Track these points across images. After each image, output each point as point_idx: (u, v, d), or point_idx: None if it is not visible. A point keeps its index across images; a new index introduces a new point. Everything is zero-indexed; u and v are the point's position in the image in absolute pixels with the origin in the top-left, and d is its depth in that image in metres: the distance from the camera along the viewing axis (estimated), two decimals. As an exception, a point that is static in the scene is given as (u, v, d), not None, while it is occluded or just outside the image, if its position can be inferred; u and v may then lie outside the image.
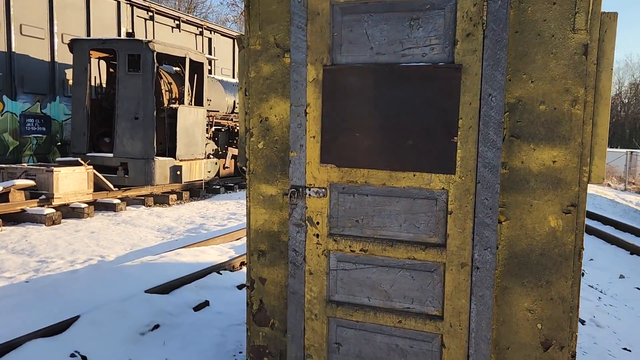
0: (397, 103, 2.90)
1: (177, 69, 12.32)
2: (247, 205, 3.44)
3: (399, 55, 2.90)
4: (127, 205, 10.46)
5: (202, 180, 12.28)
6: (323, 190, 3.09)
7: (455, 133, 2.80)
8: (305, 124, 3.09)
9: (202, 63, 12.21)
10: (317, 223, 3.13)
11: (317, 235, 3.13)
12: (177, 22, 16.31)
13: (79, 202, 9.41)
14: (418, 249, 2.92)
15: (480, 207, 2.78)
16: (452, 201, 2.84)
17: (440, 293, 2.92)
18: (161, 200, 11.19)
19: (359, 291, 3.08)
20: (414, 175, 2.91)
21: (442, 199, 2.87)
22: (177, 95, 11.94)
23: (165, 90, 11.58)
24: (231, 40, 18.75)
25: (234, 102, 14.04)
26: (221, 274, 5.77)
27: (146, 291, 4.79)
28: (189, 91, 11.99)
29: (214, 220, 9.53)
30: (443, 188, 2.86)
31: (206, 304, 4.89)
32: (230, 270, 6.04)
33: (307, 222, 3.15)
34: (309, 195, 3.13)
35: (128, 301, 4.40)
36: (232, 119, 14.18)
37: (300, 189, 3.14)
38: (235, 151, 14.25)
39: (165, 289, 5.00)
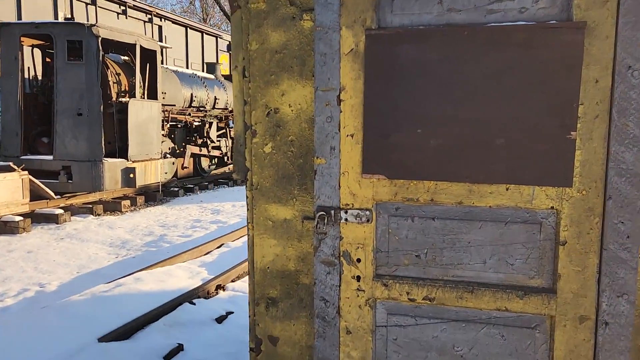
0: (480, 83, 1.96)
1: (126, 58, 10.98)
2: (248, 234, 2.42)
3: (483, 11, 1.96)
4: (72, 215, 9.12)
5: (158, 182, 11.02)
6: (367, 212, 2.13)
7: (573, 126, 1.89)
8: (339, 116, 2.11)
9: (155, 51, 10.92)
10: (358, 260, 2.16)
11: (358, 278, 2.17)
12: (122, 7, 14.81)
13: (12, 214, 8.01)
14: (512, 296, 2.01)
15: (612, 235, 1.89)
16: (565, 227, 1.93)
17: (546, 359, 2.02)
18: (112, 207, 9.88)
19: (422, 357, 2.14)
20: (507, 190, 1.98)
21: (550, 223, 1.96)
22: (127, 88, 10.62)
23: (113, 82, 10.24)
24: (184, 28, 17.36)
25: (191, 95, 12.79)
26: (194, 303, 4.71)
27: (100, 339, 3.68)
28: (140, 83, 10.68)
29: (175, 230, 8.35)
30: (552, 207, 1.95)
31: (179, 349, 3.83)
32: (205, 298, 4.98)
33: (342, 258, 2.18)
34: (345, 220, 2.15)
35: (76, 358, 3.28)
36: (189, 114, 12.92)
37: (332, 212, 2.16)
38: (194, 149, 13.01)
39: (125, 332, 3.90)
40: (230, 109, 14.91)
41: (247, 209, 2.42)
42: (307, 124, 2.26)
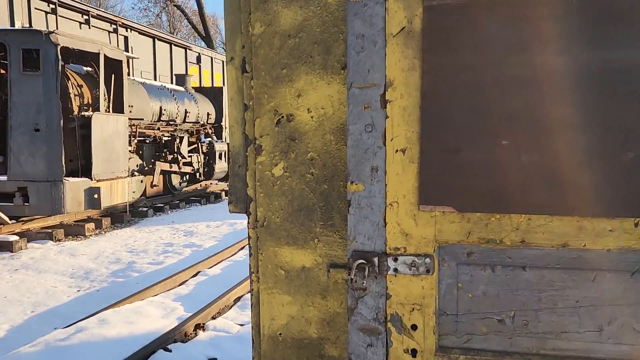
0: (602, 72, 1.37)
1: (89, 68, 10.14)
2: (252, 288, 1.76)
3: (599, -31, 1.37)
4: (29, 241, 8.20)
5: (126, 203, 10.16)
6: (426, 260, 1.50)
7: None
8: (384, 123, 1.49)
9: (121, 61, 10.12)
10: (413, 327, 1.53)
11: (414, 353, 1.54)
12: (85, 16, 13.91)
13: (-41, 243, 7.08)
14: (643, 378, 1.39)
15: None
16: None
17: None
18: (75, 231, 8.99)
19: None
20: (637, 226, 1.38)
21: (700, 273, 1.36)
22: (90, 101, 9.78)
23: (75, 95, 9.39)
24: (151, 39, 16.53)
25: (160, 108, 11.98)
26: (170, 350, 3.98)
27: (53, 411, 2.90)
28: (105, 95, 9.85)
29: (145, 255, 7.55)
30: (703, 251, 1.35)
31: (155, 415, 3.09)
32: (183, 341, 4.25)
33: (389, 324, 1.54)
34: (395, 270, 1.53)
35: None
36: (158, 128, 12.11)
37: (375, 259, 1.53)
38: (164, 166, 12.17)
39: (85, 397, 3.13)
40: (201, 122, 14.14)
41: (250, 254, 1.76)
42: (333, 135, 1.63)
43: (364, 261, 1.53)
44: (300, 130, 1.65)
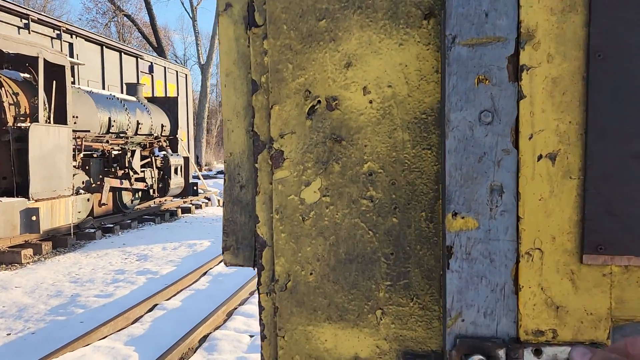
0: None
1: (27, 75, 9.08)
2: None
3: None
4: (-48, 272, 7.06)
5: (70, 224, 9.09)
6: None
7: None
8: (515, 109, 0.81)
9: (63, 67, 9.11)
10: None
11: None
12: (25, 20, 12.71)
13: None
14: None
15: None
16: None
17: None
18: (9, 259, 7.88)
19: None
20: None
21: None
22: (27, 111, 8.72)
23: (10, 104, 8.32)
24: (99, 47, 15.39)
25: (109, 119, 10.96)
26: (122, 416, 3.13)
27: None
28: (45, 104, 8.82)
29: (92, 286, 6.59)
30: None
31: None
32: (138, 402, 3.41)
33: None
34: (538, 373, 0.83)
35: None
36: (107, 141, 11.08)
37: (500, 351, 0.84)
38: (114, 182, 11.11)
39: None
40: (155, 134, 13.13)
41: (262, 336, 1.05)
42: (410, 131, 0.95)
43: (481, 357, 0.86)
44: (350, 124, 0.97)
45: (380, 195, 0.97)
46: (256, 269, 1.04)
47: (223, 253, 1.06)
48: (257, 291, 1.04)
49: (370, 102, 0.96)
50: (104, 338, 4.61)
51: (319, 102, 0.97)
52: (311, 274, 1.00)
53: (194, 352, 4.42)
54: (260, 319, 1.04)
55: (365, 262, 0.98)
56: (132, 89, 13.26)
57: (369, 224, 0.97)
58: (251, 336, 4.75)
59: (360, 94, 0.96)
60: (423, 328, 0.98)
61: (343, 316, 1.00)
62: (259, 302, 1.04)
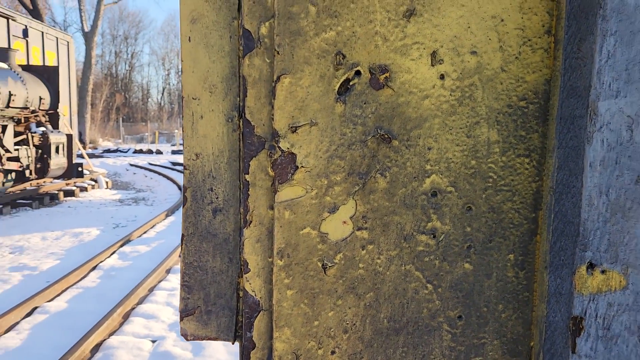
0: None
1: None
2: None
3: None
4: None
5: None
6: None
7: None
8: None
9: None
10: None
11: None
12: None
13: None
14: None
15: None
16: None
17: None
18: None
19: None
20: None
21: None
22: None
23: None
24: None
25: (9, 93, 9.41)
26: None
27: None
28: None
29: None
30: None
31: None
32: None
33: None
34: None
35: None
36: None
37: None
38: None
39: None
40: (32, 108, 11.58)
41: None
42: (498, 127, 0.60)
43: None
44: (407, 113, 0.59)
45: (447, 227, 0.61)
46: (240, 345, 0.63)
47: (182, 319, 0.64)
48: (239, 380, 0.64)
49: (442, 77, 0.59)
50: (-33, 354, 3.81)
51: (359, 73, 0.58)
52: (333, 353, 0.62)
53: (87, 367, 3.79)
54: None
55: (420, 332, 0.62)
56: (2, 54, 11.54)
57: (428, 272, 0.61)
58: (153, 341, 4.20)
59: (426, 64, 0.59)
60: None
61: (380, 412, 0.64)
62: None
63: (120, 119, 37.42)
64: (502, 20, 0.59)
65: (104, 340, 4.18)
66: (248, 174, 0.60)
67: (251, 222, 0.60)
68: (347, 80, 0.59)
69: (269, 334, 0.62)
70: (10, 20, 15.30)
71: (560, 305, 0.57)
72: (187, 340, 0.66)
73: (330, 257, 0.61)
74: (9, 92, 10.45)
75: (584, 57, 0.54)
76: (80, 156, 16.39)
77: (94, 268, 6.22)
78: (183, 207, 0.63)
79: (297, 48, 0.57)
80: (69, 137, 12.58)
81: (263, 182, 0.60)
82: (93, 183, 13.71)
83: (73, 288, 5.52)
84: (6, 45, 14.81)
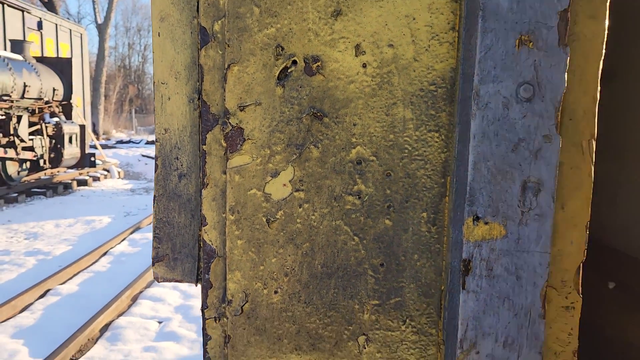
0: None
1: None
2: None
3: None
4: None
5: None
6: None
7: None
8: (563, 81, 0.60)
9: None
10: None
11: None
12: None
13: None
14: None
15: None
16: None
17: None
18: None
19: None
20: None
21: None
22: None
23: None
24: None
25: (24, 84, 9.67)
26: None
27: None
28: None
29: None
30: None
31: None
32: (28, 407, 2.99)
33: None
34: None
35: None
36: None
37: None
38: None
39: None
40: (46, 99, 11.85)
41: (207, 374, 0.79)
42: (414, 107, 0.73)
43: (503, 398, 0.68)
44: (336, 95, 0.72)
45: (370, 190, 0.74)
46: (200, 286, 0.77)
47: (153, 265, 0.78)
48: (201, 315, 0.78)
49: (364, 65, 0.72)
50: (-16, 331, 4.02)
51: (295, 62, 0.71)
52: (276, 292, 0.75)
53: (95, 343, 3.98)
54: (205, 352, 0.79)
55: (348, 277, 0.76)
56: (18, 46, 11.79)
57: (355, 227, 0.75)
58: (160, 322, 4.38)
59: (351, 55, 0.71)
60: (416, 357, 0.78)
61: (316, 345, 0.77)
62: (204, 329, 0.78)
63: (133, 110, 37.78)
64: (414, 19, 0.72)
65: (113, 320, 4.37)
66: (205, 145, 0.73)
67: (208, 184, 0.74)
68: (286, 68, 0.72)
69: (223, 276, 0.76)
70: (25, 13, 15.57)
71: (457, 252, 0.70)
72: (159, 282, 0.79)
73: (273, 213, 0.74)
74: (24, 83, 10.70)
75: (472, 49, 0.67)
76: (94, 147, 16.68)
77: (104, 254, 6.44)
78: (155, 172, 0.77)
79: (244, 42, 0.70)
80: (82, 128, 12.83)
81: (217, 151, 0.73)
82: (105, 173, 13.97)
83: (84, 272, 5.73)
84: (21, 38, 15.09)
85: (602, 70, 0.68)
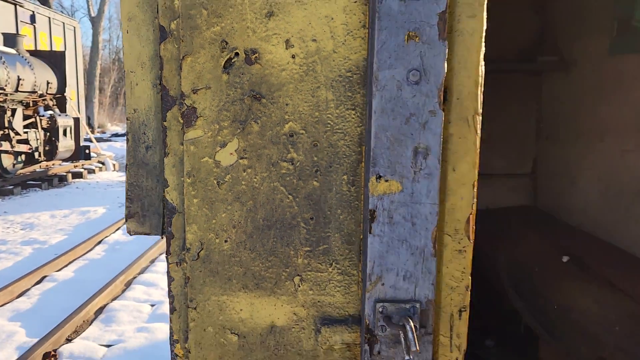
0: None
1: None
2: (176, 373, 0.97)
3: None
4: None
5: (-63, 190, 8.05)
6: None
7: None
8: (443, 69, 0.79)
9: None
10: None
11: None
12: None
13: None
14: None
15: None
16: None
17: None
18: None
19: None
20: None
21: None
22: None
23: None
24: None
25: (18, 77, 9.75)
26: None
27: None
28: None
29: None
30: None
31: None
32: (26, 381, 3.18)
33: None
34: (456, 332, 0.85)
35: None
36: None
37: (415, 307, 0.85)
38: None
39: None
40: (40, 92, 11.95)
41: (172, 309, 0.97)
42: (334, 90, 0.91)
43: (397, 318, 0.86)
44: (271, 80, 0.90)
45: (301, 157, 0.92)
46: (165, 238, 0.95)
47: (126, 220, 0.96)
48: (166, 261, 0.96)
49: (293, 57, 0.89)
50: (-17, 315, 4.19)
51: (237, 54, 0.89)
52: (226, 241, 0.93)
53: (90, 324, 4.16)
54: (170, 291, 0.96)
55: (284, 228, 0.93)
56: (11, 40, 11.86)
57: (289, 187, 0.92)
58: (152, 305, 4.56)
59: (282, 48, 0.89)
60: (341, 293, 0.96)
61: (260, 284, 0.95)
62: (168, 272, 0.96)
63: (128, 103, 37.65)
64: (332, 19, 0.89)
65: (107, 304, 4.55)
66: (166, 121, 0.90)
67: (169, 153, 0.91)
68: (230, 59, 0.89)
69: (182, 229, 0.93)
70: (17, 7, 15.60)
71: (367, 205, 0.88)
72: (131, 235, 0.97)
73: (222, 176, 0.91)
74: (18, 76, 10.80)
75: (374, 43, 0.84)
76: (88, 140, 16.79)
77: (99, 242, 6.61)
78: (126, 145, 0.94)
79: (195, 38, 0.87)
80: (76, 121, 12.93)
81: (176, 127, 0.90)
82: (100, 165, 14.10)
83: (80, 260, 5.91)
84: (14, 31, 15.14)
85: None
